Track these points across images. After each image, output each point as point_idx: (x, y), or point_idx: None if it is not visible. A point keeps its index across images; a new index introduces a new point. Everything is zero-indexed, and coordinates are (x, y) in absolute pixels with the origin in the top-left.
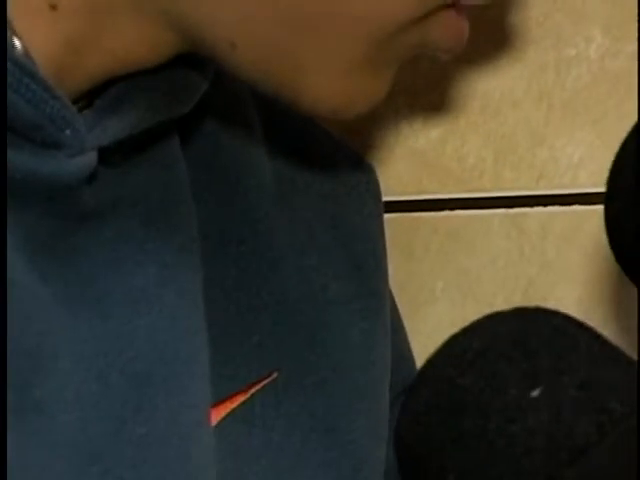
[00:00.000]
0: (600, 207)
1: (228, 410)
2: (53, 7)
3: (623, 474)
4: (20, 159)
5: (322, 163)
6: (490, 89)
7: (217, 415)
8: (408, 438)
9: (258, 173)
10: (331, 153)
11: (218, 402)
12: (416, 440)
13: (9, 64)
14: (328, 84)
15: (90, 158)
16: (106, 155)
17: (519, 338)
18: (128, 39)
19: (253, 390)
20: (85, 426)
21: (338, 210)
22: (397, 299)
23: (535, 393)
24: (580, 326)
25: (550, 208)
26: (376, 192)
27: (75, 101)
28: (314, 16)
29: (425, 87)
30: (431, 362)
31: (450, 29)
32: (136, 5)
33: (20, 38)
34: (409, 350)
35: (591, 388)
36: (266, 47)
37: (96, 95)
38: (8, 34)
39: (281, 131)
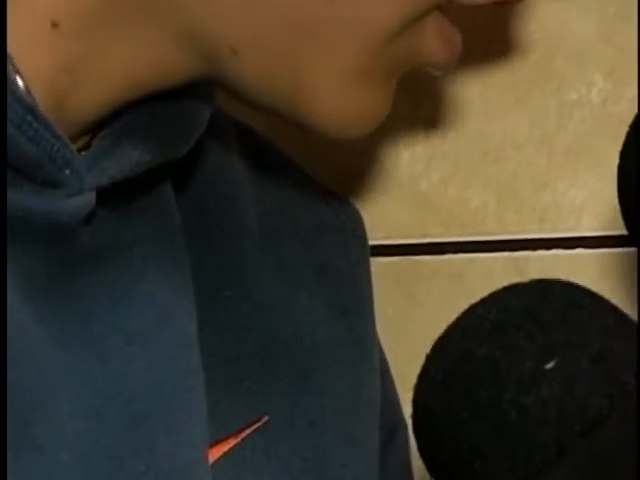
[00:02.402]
0: (603, 251)
1: (221, 453)
2: (55, 25)
3: (634, 446)
4: (19, 197)
5: (308, 209)
6: (492, 133)
7: (211, 457)
8: (425, 407)
9: (246, 220)
10: (317, 199)
11: (211, 444)
12: (432, 409)
13: (11, 99)
14: (328, 96)
15: (88, 198)
16: (103, 197)
17: (535, 310)
18: (130, 60)
19: (244, 434)
20: (84, 465)
21: (324, 256)
22: (399, 342)
23: (549, 365)
24: (596, 299)
25: (553, 251)
26: (362, 237)
27: (81, 133)
28: (312, 21)
29: (427, 131)
30: (448, 332)
31: (443, 39)
32: (140, 20)
33: (22, 75)
34: (395, 394)
35: (605, 361)
36: (266, 52)
37: (99, 130)
38: (10, 70)
39: (267, 178)
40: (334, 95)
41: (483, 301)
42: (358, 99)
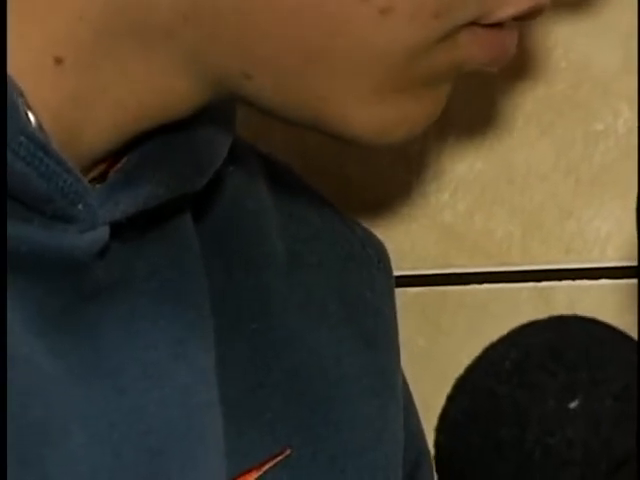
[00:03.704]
0: (628, 281)
1: None
2: (58, 61)
3: None
4: (30, 232)
5: (333, 240)
6: (518, 163)
7: None
8: (446, 447)
9: (269, 250)
10: (342, 229)
11: (234, 478)
12: (454, 449)
13: (22, 137)
14: (358, 111)
15: (102, 233)
16: (118, 230)
17: (556, 348)
18: (139, 90)
19: (266, 467)
20: None
21: (349, 287)
22: (425, 373)
23: (573, 404)
24: (617, 334)
25: (578, 282)
26: (387, 268)
27: (94, 163)
28: (322, 47)
29: (452, 161)
30: (469, 371)
31: (483, 44)
32: (145, 50)
33: (33, 110)
34: (419, 426)
35: (628, 398)
36: (281, 76)
37: (114, 161)
38: (23, 108)
39: (292, 208)
40: (364, 107)
41: (503, 339)
42: (393, 107)
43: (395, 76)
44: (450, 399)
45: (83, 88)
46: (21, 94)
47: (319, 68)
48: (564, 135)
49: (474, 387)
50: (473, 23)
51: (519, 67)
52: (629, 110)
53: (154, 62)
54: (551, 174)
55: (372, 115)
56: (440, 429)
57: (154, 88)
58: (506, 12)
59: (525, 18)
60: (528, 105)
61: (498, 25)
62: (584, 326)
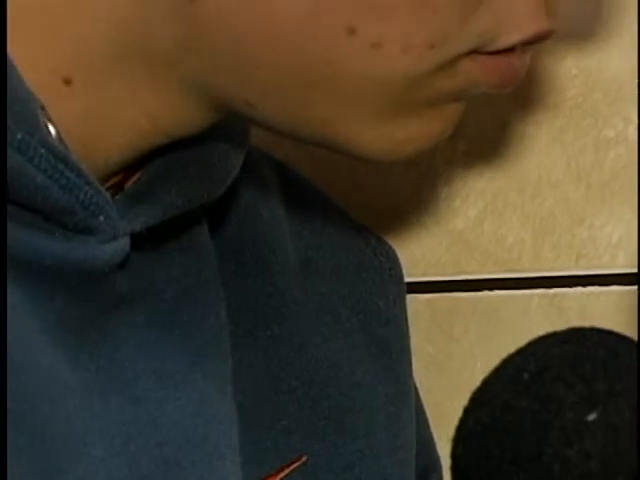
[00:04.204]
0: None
1: None
2: (67, 82)
3: None
4: (51, 244)
5: (346, 248)
6: (529, 169)
7: None
8: (464, 459)
9: (284, 258)
10: (355, 237)
11: None
12: (472, 461)
13: (43, 149)
14: (364, 132)
15: (123, 244)
16: (137, 240)
17: (574, 360)
18: (150, 108)
19: (282, 475)
20: None
21: (362, 295)
22: (437, 379)
23: (592, 417)
24: (634, 346)
25: (589, 288)
26: (399, 275)
27: (109, 176)
28: (320, 77)
29: (463, 168)
30: (487, 383)
31: (487, 70)
32: (150, 72)
33: (53, 122)
34: (430, 434)
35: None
36: (284, 104)
37: (129, 172)
38: (43, 120)
39: (306, 217)
40: (370, 129)
41: (521, 351)
42: (400, 128)
43: (397, 102)
44: (467, 411)
45: (94, 107)
46: (42, 107)
47: (319, 96)
48: (575, 142)
49: (492, 399)
50: (474, 51)
51: (530, 74)
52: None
53: (160, 85)
54: (562, 181)
55: (379, 135)
56: (458, 440)
57: (164, 108)
58: (508, 40)
59: (531, 43)
60: (539, 112)
61: (505, 50)
62: (601, 338)
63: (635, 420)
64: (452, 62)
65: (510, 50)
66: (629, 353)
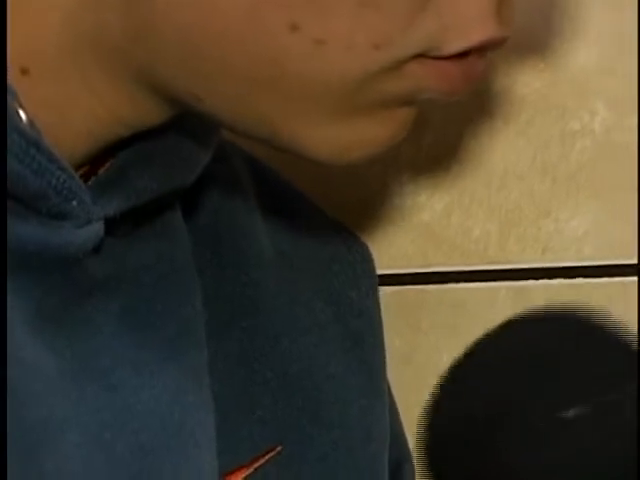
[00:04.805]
0: (604, 280)
1: None
2: (24, 71)
3: None
4: (26, 230)
5: (318, 241)
6: (495, 162)
7: None
8: (433, 447)
9: (258, 250)
10: (327, 231)
11: (224, 475)
12: (444, 455)
13: (15, 135)
14: (311, 133)
15: (97, 228)
16: (111, 226)
17: (549, 351)
18: (105, 98)
19: (257, 464)
20: None
21: (335, 287)
22: (403, 372)
23: (569, 414)
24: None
25: (555, 281)
26: (371, 268)
27: (76, 167)
28: (264, 74)
29: (429, 161)
30: (458, 366)
31: (436, 76)
32: (102, 63)
33: (24, 108)
34: (401, 428)
35: (624, 409)
36: (230, 100)
37: (99, 162)
38: (12, 103)
39: (277, 209)
40: (317, 129)
41: (490, 335)
42: (348, 129)
43: (342, 103)
44: (436, 398)
45: (53, 97)
46: (12, 92)
47: (265, 94)
48: (541, 134)
49: (463, 389)
50: (423, 55)
51: (495, 67)
52: (605, 109)
53: (112, 76)
54: (528, 173)
55: (326, 137)
56: (427, 428)
57: (119, 99)
58: (456, 46)
59: (481, 50)
60: (505, 105)
61: (456, 56)
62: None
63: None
64: (398, 65)
65: (461, 56)
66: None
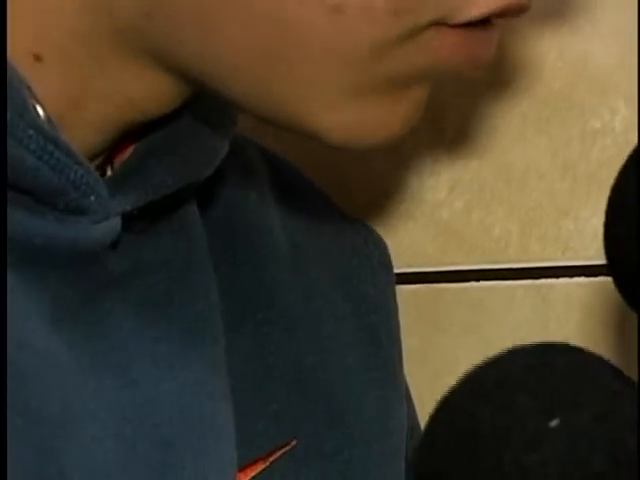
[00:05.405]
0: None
1: (250, 477)
2: (38, 58)
3: None
4: (43, 225)
5: (334, 234)
6: (515, 161)
7: None
8: (423, 467)
9: (273, 242)
10: (343, 225)
11: (239, 469)
12: (431, 470)
13: (32, 131)
14: (328, 115)
15: (114, 223)
16: (128, 220)
17: (538, 370)
18: (121, 83)
19: (272, 458)
20: None
21: (352, 282)
22: (421, 369)
23: (553, 423)
24: (603, 363)
25: (575, 279)
26: (388, 262)
27: (92, 156)
28: (283, 52)
29: (449, 158)
30: (450, 392)
31: (452, 46)
32: (117, 44)
33: (42, 104)
34: (417, 420)
35: (608, 421)
36: (249, 81)
37: (115, 150)
38: (30, 101)
39: (293, 202)
40: (334, 111)
41: (486, 362)
42: (365, 111)
43: (360, 77)
44: (432, 419)
45: (67, 84)
46: (28, 87)
47: (283, 73)
48: (561, 133)
49: (453, 408)
50: (440, 23)
51: (515, 65)
52: (626, 108)
53: (129, 59)
54: (548, 172)
55: (343, 119)
56: (416, 449)
57: (136, 83)
58: (475, 11)
59: (503, 16)
60: (524, 104)
61: (471, 25)
62: (568, 352)
63: (596, 429)
64: (416, 32)
65: (479, 24)
66: (596, 367)
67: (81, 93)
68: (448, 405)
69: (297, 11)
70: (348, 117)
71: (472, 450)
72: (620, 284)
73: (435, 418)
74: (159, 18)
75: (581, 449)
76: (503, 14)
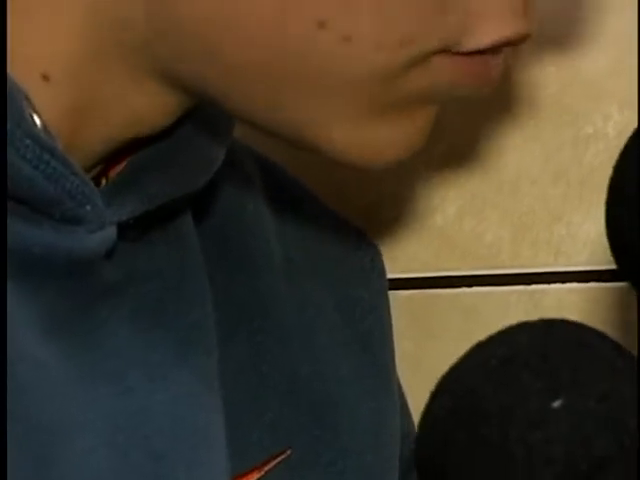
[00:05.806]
0: (617, 284)
1: None
2: (45, 78)
3: None
4: (39, 234)
5: (328, 241)
6: (507, 166)
7: None
8: (427, 444)
9: (268, 252)
10: (337, 231)
11: (235, 478)
12: (435, 446)
13: (29, 141)
14: (339, 135)
15: (110, 233)
16: (123, 230)
17: (542, 349)
18: (130, 100)
19: (267, 467)
20: None
21: (345, 288)
22: (415, 374)
23: (556, 404)
24: (605, 339)
25: (568, 285)
26: (380, 269)
27: (90, 166)
28: (292, 73)
29: (442, 165)
30: (454, 369)
31: (461, 71)
32: (126, 61)
33: (39, 113)
34: (413, 426)
35: (612, 401)
36: (255, 99)
37: (111, 162)
38: (28, 111)
39: (289, 212)
40: (345, 131)
41: (490, 339)
42: (374, 131)
43: (371, 100)
44: (432, 396)
45: (75, 101)
46: (26, 97)
47: (292, 94)
48: (554, 139)
49: (457, 385)
50: (448, 50)
51: (508, 72)
52: (619, 113)
53: (138, 76)
54: (541, 178)
55: (354, 139)
56: (422, 425)
57: (144, 99)
58: (479, 43)
59: (507, 45)
60: (517, 109)
61: (479, 52)
62: (571, 329)
63: (600, 409)
64: (424, 59)
65: (486, 52)
66: (599, 346)
67: (88, 109)
68: (452, 381)
69: (307, 38)
70: (361, 138)
71: (477, 426)
72: (622, 265)
73: (438, 394)
74: (167, 37)
75: (585, 430)
76: (507, 44)
